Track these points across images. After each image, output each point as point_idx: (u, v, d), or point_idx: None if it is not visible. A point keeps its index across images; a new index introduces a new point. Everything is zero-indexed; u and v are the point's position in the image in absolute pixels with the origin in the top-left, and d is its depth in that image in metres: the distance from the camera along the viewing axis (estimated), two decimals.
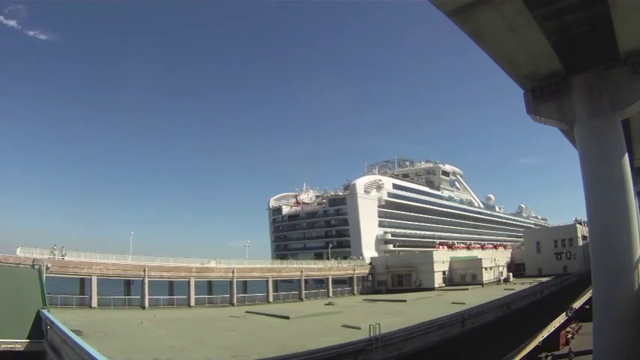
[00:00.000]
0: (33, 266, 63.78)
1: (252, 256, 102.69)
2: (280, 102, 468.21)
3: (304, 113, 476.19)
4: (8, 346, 47.52)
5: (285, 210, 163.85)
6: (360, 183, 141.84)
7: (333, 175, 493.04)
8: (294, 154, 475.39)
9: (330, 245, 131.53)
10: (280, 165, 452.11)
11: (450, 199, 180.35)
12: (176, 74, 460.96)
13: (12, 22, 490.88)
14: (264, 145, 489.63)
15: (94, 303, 68.46)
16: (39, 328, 49.48)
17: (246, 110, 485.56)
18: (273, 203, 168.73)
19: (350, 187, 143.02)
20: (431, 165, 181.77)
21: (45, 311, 51.34)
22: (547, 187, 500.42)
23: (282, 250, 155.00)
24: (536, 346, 67.31)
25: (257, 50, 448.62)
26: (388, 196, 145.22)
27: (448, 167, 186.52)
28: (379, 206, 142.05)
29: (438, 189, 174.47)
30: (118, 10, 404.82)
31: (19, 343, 48.05)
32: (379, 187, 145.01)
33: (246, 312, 68.96)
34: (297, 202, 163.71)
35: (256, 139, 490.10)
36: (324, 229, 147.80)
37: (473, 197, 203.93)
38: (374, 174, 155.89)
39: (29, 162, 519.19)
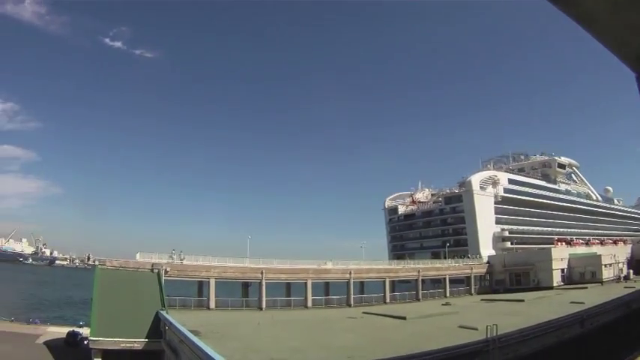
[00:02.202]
0: (152, 270, 66.34)
1: (368, 257, 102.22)
2: (395, 99, 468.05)
3: (419, 109, 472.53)
4: (128, 345, 50.05)
5: (401, 209, 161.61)
6: (476, 179, 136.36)
7: (448, 172, 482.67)
8: (409, 151, 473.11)
9: (447, 244, 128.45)
10: (397, 163, 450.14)
11: (567, 192, 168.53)
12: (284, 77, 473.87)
13: (118, 44, 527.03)
14: (381, 143, 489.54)
15: (212, 305, 70.05)
16: (157, 328, 51.85)
17: (364, 110, 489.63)
18: (388, 203, 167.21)
19: (465, 184, 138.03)
20: (546, 158, 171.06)
21: (163, 312, 53.61)
22: None
23: (398, 250, 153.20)
24: None
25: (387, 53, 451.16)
26: (504, 192, 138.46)
27: (564, 159, 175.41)
28: (495, 202, 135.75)
29: (555, 182, 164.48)
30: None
31: (138, 343, 50.43)
32: (495, 183, 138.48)
33: (363, 313, 68.49)
34: (413, 201, 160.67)
35: (371, 137, 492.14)
36: (441, 228, 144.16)
37: (590, 190, 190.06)
38: (489, 169, 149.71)
39: (153, 172, 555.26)
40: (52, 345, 65.24)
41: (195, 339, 34.91)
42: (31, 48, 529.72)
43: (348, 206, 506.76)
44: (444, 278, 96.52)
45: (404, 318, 59.40)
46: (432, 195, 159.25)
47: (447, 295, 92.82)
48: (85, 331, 66.38)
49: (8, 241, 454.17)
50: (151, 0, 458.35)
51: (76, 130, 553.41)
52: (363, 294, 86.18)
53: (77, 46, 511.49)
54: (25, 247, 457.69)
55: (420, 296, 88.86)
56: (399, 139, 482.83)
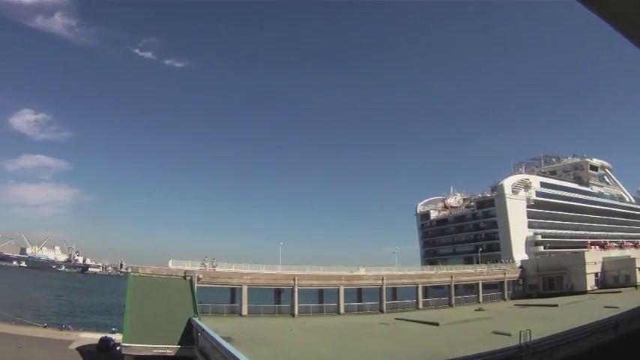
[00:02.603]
0: (185, 277, 66.85)
1: (401, 263, 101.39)
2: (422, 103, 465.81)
3: (450, 112, 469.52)
4: (160, 351, 50.43)
5: (434, 215, 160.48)
6: (508, 183, 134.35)
7: (480, 176, 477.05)
8: (440, 156, 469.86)
9: (480, 249, 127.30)
10: (428, 167, 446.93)
11: (600, 194, 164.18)
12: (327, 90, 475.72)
13: (148, 54, 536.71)
14: (412, 148, 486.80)
15: (245, 311, 70.27)
16: (190, 335, 52.04)
17: (393, 116, 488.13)
18: (420, 208, 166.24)
19: (497, 188, 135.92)
20: (578, 160, 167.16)
21: (196, 319, 53.80)
22: None
23: (431, 255, 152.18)
24: None
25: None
26: (536, 196, 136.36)
27: (596, 161, 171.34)
28: (528, 206, 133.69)
29: (587, 185, 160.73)
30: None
31: (170, 349, 50.76)
32: (527, 187, 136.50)
33: (396, 319, 68.22)
34: (445, 206, 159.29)
35: (402, 142, 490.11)
36: (473, 233, 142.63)
37: (623, 192, 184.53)
38: (521, 173, 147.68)
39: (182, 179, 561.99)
40: (84, 351, 66.26)
41: (227, 345, 34.95)
42: (62, 60, 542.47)
43: (380, 212, 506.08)
44: (477, 283, 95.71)
45: (437, 324, 59.11)
46: (464, 200, 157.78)
47: (480, 300, 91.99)
48: (117, 337, 67.05)
49: (41, 248, 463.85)
50: (180, 11, 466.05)
51: (107, 139, 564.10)
52: (395, 300, 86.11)
53: (107, 57, 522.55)
54: (58, 255, 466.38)
55: (453, 302, 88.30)
56: (430, 144, 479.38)
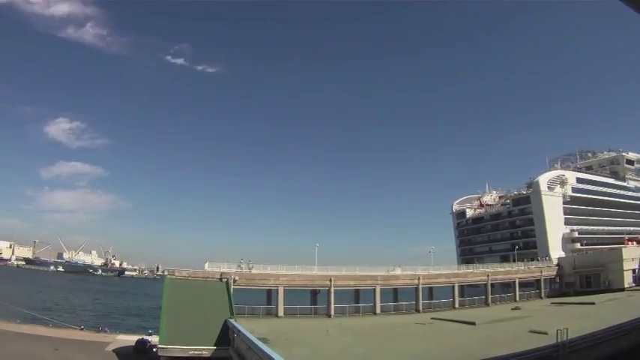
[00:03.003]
0: (221, 279, 67.22)
1: (437, 262, 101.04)
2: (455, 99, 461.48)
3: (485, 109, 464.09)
4: (196, 352, 51.05)
5: (469, 213, 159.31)
6: (543, 179, 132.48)
7: (516, 173, 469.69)
8: (475, 153, 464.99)
9: (516, 247, 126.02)
10: (464, 165, 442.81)
11: (637, 189, 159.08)
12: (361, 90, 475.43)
13: (179, 60, 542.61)
14: (447, 147, 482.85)
15: (281, 312, 70.33)
16: (226, 336, 52.50)
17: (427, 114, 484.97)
18: (456, 207, 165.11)
19: (533, 185, 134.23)
20: (614, 154, 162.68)
21: (232, 320, 54.29)
22: None
23: (467, 254, 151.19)
24: None
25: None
26: (572, 192, 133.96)
27: (632, 155, 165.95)
28: (564, 203, 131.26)
29: (624, 179, 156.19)
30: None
31: (206, 350, 51.25)
32: (563, 183, 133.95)
33: (432, 318, 67.91)
34: (481, 205, 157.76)
35: (437, 141, 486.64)
36: (509, 231, 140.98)
37: None
38: (556, 169, 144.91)
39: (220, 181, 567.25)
40: (121, 353, 67.07)
41: (263, 346, 35.17)
42: (95, 69, 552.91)
43: (416, 212, 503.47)
44: (514, 282, 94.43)
45: (473, 323, 58.84)
46: (500, 197, 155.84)
47: (517, 299, 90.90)
48: (153, 339, 67.66)
49: (78, 253, 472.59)
50: (211, 17, 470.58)
51: (141, 145, 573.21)
52: (431, 299, 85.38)
53: (140, 65, 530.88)
54: (94, 259, 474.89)
55: (490, 301, 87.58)
56: (465, 141, 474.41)
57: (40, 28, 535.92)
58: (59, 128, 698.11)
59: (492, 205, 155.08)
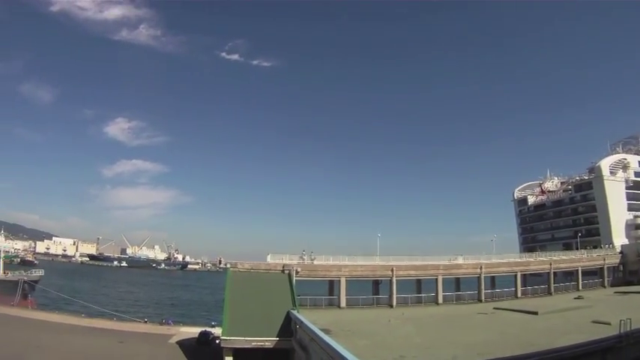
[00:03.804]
0: (283, 271, 66.98)
1: (499, 251, 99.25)
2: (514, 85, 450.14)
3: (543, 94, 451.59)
4: (259, 343, 51.40)
5: (531, 200, 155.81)
6: (605, 164, 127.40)
7: (577, 159, 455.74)
8: (536, 139, 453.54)
9: (579, 234, 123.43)
10: (524, 151, 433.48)
11: None
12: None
13: (234, 56, 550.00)
14: (507, 135, 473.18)
15: (343, 303, 69.88)
16: (288, 327, 52.84)
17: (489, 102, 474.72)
18: (518, 194, 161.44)
19: (595, 170, 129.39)
20: None
21: (294, 312, 54.42)
22: None
23: (529, 242, 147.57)
24: None
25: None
26: (635, 176, 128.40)
27: None
28: (627, 188, 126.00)
29: None
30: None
31: (268, 341, 51.54)
32: (625, 167, 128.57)
33: (494, 308, 67.41)
34: (542, 191, 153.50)
35: (495, 127, 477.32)
36: (572, 218, 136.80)
37: None
38: (618, 152, 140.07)
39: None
40: (184, 344, 68.23)
41: (325, 337, 35.30)
42: (151, 68, 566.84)
43: (478, 200, 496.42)
44: (576, 270, 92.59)
45: (535, 313, 58.57)
46: (562, 183, 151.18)
47: (579, 288, 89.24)
48: (216, 331, 68.89)
49: (141, 248, 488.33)
50: (263, 12, 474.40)
51: (200, 140, 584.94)
52: (494, 289, 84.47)
53: (195, 62, 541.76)
54: (157, 254, 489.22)
55: (552, 290, 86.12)
56: (525, 127, 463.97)
57: (95, 32, 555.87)
58: (118, 128, 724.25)
59: (554, 191, 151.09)
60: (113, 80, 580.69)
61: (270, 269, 68.06)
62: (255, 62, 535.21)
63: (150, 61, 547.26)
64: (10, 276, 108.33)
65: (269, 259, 70.74)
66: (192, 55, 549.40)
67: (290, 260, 70.65)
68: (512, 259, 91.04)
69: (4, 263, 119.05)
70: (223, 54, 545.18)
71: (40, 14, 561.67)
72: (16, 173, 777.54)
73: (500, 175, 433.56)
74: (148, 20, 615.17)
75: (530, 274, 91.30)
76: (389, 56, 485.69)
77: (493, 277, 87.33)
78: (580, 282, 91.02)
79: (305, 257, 73.54)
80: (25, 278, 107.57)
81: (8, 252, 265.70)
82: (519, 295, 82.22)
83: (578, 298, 75.35)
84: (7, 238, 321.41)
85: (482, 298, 78.03)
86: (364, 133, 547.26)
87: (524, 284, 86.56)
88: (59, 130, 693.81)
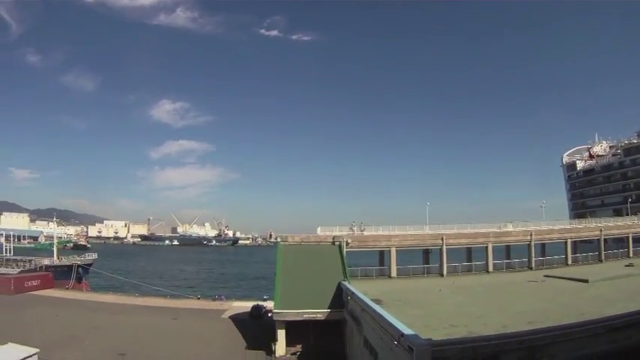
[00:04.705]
0: (333, 243, 66.78)
1: (549, 217, 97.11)
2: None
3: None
4: (310, 315, 51.54)
5: (580, 165, 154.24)
6: None
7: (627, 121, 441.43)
8: (584, 101, 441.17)
9: (629, 200, 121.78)
10: (572, 114, 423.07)
11: None
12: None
13: (274, 32, 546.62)
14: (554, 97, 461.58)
15: (394, 273, 69.57)
16: (339, 298, 52.84)
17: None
18: (566, 159, 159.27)
19: None
20: None
21: (346, 283, 54.25)
22: None
23: (579, 208, 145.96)
24: None
25: None
26: None
27: None
28: None
29: None
30: None
31: (320, 313, 51.62)
32: None
33: (544, 276, 66.60)
34: (591, 156, 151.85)
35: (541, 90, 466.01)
36: (621, 183, 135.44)
37: None
38: None
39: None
40: (236, 319, 69.82)
41: (376, 307, 35.38)
42: (190, 50, 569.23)
43: (526, 165, 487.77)
44: (627, 237, 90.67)
45: (586, 281, 58.01)
46: (611, 147, 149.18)
47: (630, 255, 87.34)
48: (268, 305, 69.38)
49: (192, 226, 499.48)
50: None
51: (244, 117, 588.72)
52: (544, 256, 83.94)
53: (234, 41, 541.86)
54: (208, 231, 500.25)
55: (603, 257, 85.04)
56: (573, 90, 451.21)
57: (132, 18, 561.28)
58: (163, 110, 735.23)
59: (603, 155, 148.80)
60: (154, 64, 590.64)
61: (320, 241, 68.16)
62: (294, 37, 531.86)
63: (189, 43, 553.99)
64: (64, 261, 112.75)
65: (319, 231, 70.92)
66: (230, 34, 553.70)
67: (340, 232, 70.92)
68: (562, 226, 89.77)
69: (58, 249, 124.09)
70: (262, 31, 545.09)
71: (76, 6, 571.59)
72: (64, 161, 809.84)
73: (550, 140, 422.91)
74: (184, 3, 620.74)
75: (581, 240, 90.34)
76: (439, 32, 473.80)
77: (543, 245, 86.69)
78: (631, 249, 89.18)
79: (355, 228, 73.66)
80: (79, 262, 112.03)
81: (61, 237, 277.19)
82: (570, 262, 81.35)
83: (629, 265, 74.21)
84: (59, 224, 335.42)
85: (533, 265, 77.39)
86: (409, 107, 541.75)
87: (574, 251, 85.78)
88: (104, 117, 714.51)
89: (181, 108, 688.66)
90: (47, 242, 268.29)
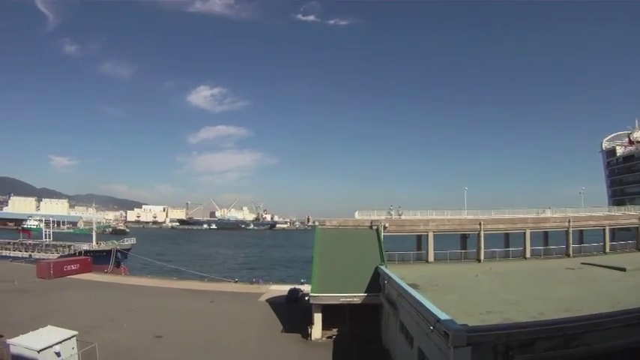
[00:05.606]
0: (371, 227, 65.94)
1: (588, 204, 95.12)
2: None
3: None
4: (347, 299, 51.46)
5: (619, 151, 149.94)
6: None
7: None
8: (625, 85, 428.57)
9: None
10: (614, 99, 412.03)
11: None
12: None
13: (311, 17, 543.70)
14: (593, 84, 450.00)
15: (431, 258, 68.75)
16: (376, 283, 52.59)
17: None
18: (606, 145, 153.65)
19: None
20: None
21: (383, 267, 54.11)
22: None
23: (618, 195, 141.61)
24: None
25: None
26: None
27: None
28: None
29: None
30: None
31: (357, 297, 51.46)
32: None
33: (582, 263, 65.21)
34: (630, 142, 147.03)
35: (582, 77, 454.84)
36: None
37: None
38: None
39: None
40: (273, 302, 70.70)
41: (413, 292, 35.52)
42: (227, 36, 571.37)
43: (565, 151, 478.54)
44: None
45: (623, 269, 56.76)
46: None
47: None
48: (305, 288, 70.33)
49: (230, 210, 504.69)
50: None
51: (282, 102, 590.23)
52: (581, 243, 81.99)
53: (271, 26, 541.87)
54: (246, 215, 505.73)
55: None
56: (616, 75, 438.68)
57: (169, 7, 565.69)
58: (201, 96, 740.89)
59: None
60: (191, 51, 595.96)
61: (358, 225, 67.62)
62: (331, 22, 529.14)
63: (226, 29, 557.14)
64: (103, 246, 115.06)
65: (357, 215, 70.43)
66: (267, 20, 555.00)
67: (378, 216, 70.23)
68: (600, 213, 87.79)
69: (97, 234, 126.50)
70: (299, 16, 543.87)
71: None
72: (103, 148, 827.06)
73: (590, 126, 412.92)
74: None
75: (619, 228, 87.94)
76: (478, 22, 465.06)
77: (581, 231, 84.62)
78: None
79: (392, 213, 72.99)
80: (118, 247, 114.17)
81: (100, 222, 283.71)
82: (607, 250, 79.25)
83: None
84: (98, 209, 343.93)
85: (570, 252, 75.88)
86: (446, 94, 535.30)
87: (612, 239, 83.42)
88: (142, 103, 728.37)
89: (219, 93, 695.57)
90: (86, 227, 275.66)
